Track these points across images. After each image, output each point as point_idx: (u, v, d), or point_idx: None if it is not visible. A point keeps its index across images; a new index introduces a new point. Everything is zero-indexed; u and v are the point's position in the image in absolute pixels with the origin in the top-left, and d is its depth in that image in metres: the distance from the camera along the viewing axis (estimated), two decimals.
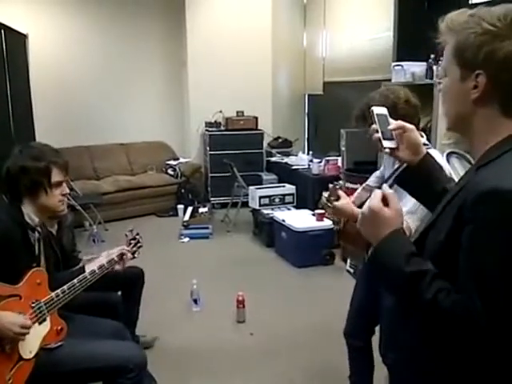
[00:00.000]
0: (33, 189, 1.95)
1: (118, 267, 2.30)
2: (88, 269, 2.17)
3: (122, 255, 2.30)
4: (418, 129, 1.99)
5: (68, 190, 2.08)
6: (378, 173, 2.40)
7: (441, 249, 1.02)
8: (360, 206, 1.97)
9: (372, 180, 2.40)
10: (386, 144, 1.32)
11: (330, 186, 2.06)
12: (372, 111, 1.33)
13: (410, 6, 4.76)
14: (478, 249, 0.93)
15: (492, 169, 0.98)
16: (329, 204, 2.01)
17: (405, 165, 1.33)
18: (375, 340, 2.33)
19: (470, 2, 4.21)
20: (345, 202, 1.99)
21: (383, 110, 1.34)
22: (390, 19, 4.94)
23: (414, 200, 1.55)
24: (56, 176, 2.00)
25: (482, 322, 0.90)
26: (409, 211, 1.82)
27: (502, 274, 0.90)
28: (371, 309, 2.27)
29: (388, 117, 1.33)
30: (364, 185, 2.39)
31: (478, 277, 0.92)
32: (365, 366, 2.47)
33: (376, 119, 1.31)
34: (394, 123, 1.31)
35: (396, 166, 2.01)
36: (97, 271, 2.17)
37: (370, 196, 1.13)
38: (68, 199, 2.20)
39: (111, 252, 2.28)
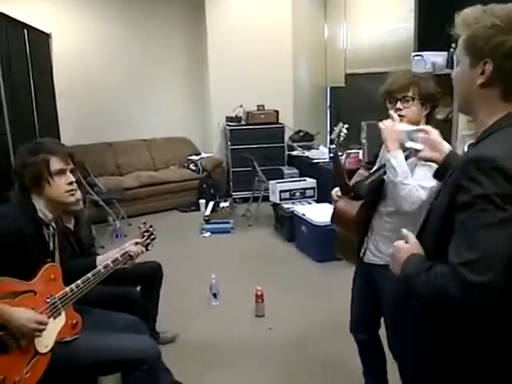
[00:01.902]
0: (36, 182, 1.96)
1: (126, 265, 2.29)
2: (101, 262, 2.20)
3: (129, 253, 2.30)
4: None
5: (73, 178, 2.05)
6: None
7: (443, 221, 1.16)
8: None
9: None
10: (410, 145, 1.59)
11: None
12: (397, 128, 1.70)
13: None
14: (465, 208, 1.07)
15: (479, 145, 1.17)
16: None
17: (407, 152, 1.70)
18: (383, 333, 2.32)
19: None
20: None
21: (409, 127, 1.65)
22: (411, 9, 4.85)
23: (421, 177, 1.94)
24: (55, 164, 1.98)
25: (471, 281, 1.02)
26: (421, 185, 1.95)
27: (485, 225, 1.03)
28: (372, 303, 2.28)
29: (413, 131, 1.61)
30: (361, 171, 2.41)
31: (464, 232, 1.06)
32: (376, 360, 2.46)
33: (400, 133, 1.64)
34: (417, 127, 1.60)
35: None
36: (111, 265, 2.19)
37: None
38: (89, 193, 2.21)
39: (124, 247, 2.30)
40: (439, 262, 1.12)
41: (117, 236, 5.40)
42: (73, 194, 2.03)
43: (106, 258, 2.23)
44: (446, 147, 1.53)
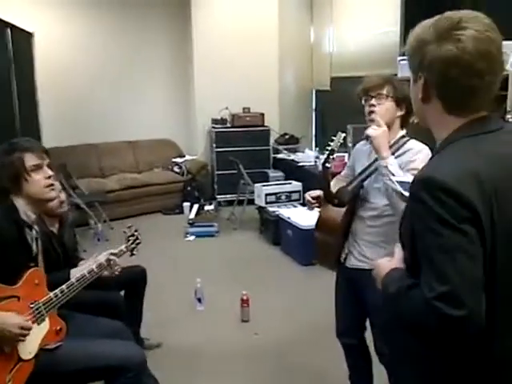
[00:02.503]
0: (14, 181, 1.93)
1: (106, 273, 2.26)
2: (77, 273, 2.15)
3: (109, 260, 2.26)
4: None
5: (51, 172, 2.01)
6: (348, 163, 2.44)
7: (410, 238, 1.13)
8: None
9: (344, 172, 2.43)
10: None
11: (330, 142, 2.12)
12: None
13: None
14: (418, 234, 1.06)
15: (433, 161, 1.14)
16: (325, 165, 2.06)
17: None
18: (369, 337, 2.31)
19: None
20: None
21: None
22: (397, 13, 4.89)
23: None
24: (30, 160, 1.95)
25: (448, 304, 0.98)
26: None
27: (445, 251, 0.99)
28: (357, 307, 2.28)
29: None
30: (338, 176, 2.42)
31: (429, 262, 1.02)
32: (362, 364, 2.45)
33: None
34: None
35: (371, 160, 2.13)
36: (95, 269, 2.15)
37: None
38: (71, 196, 2.17)
39: (99, 258, 2.26)
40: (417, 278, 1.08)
41: (98, 240, 5.32)
42: (53, 189, 2.00)
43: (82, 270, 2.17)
44: None
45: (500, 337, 1.08)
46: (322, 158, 2.13)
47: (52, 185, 2.00)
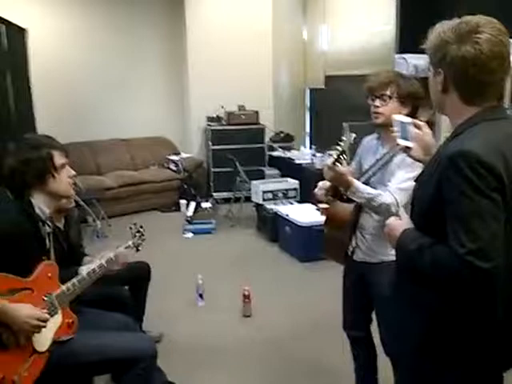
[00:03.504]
0: (40, 177, 1.95)
1: (116, 267, 2.29)
2: (88, 268, 2.17)
3: (118, 256, 2.28)
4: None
5: (73, 172, 2.07)
6: (353, 164, 2.40)
7: (429, 204, 1.29)
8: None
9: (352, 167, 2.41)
10: (402, 142, 1.58)
11: (340, 142, 2.06)
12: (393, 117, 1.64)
13: None
14: (451, 199, 1.21)
15: (457, 140, 1.28)
16: (335, 164, 2.00)
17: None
18: (375, 330, 2.34)
19: None
20: (346, 169, 2.05)
21: (405, 119, 1.60)
22: (392, 11, 4.93)
23: (402, 178, 2.00)
24: (58, 159, 2.00)
25: (472, 258, 1.15)
26: (399, 188, 2.00)
27: (477, 215, 1.16)
28: (365, 300, 2.31)
29: (409, 123, 1.58)
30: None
31: (461, 223, 1.18)
32: (368, 356, 2.48)
33: (396, 123, 1.60)
34: (412, 120, 1.60)
35: (378, 156, 2.15)
36: (104, 264, 2.17)
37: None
38: (77, 192, 2.20)
39: (118, 250, 2.28)
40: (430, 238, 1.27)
41: (97, 236, 5.31)
42: (73, 188, 2.03)
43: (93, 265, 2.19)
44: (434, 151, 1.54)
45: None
46: (329, 158, 2.06)
47: (74, 183, 2.07)
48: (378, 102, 2.10)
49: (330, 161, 2.03)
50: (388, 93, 2.08)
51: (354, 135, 2.10)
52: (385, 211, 1.98)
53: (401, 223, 1.41)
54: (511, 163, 1.21)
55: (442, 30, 1.30)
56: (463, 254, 1.15)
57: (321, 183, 2.24)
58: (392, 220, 1.46)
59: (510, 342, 1.33)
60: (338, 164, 2.01)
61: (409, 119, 1.60)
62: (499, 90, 1.32)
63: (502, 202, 1.18)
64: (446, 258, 1.19)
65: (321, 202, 2.30)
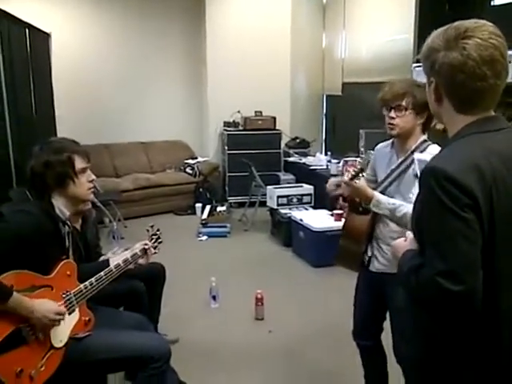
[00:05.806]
0: (60, 181, 2.01)
1: (141, 261, 2.34)
2: (113, 262, 2.22)
3: (144, 250, 2.34)
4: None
5: (94, 176, 2.12)
6: (368, 170, 2.41)
7: (416, 222, 1.27)
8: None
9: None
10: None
11: (359, 160, 2.09)
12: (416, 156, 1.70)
13: (431, 6, 4.75)
14: (424, 218, 1.19)
15: (442, 153, 1.26)
16: (354, 181, 2.03)
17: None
18: (385, 338, 2.35)
19: (491, 4, 4.20)
20: (364, 184, 2.07)
21: (427, 157, 1.60)
22: (411, 20, 4.93)
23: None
24: (79, 163, 2.05)
25: (449, 281, 1.10)
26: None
27: (447, 236, 1.11)
28: (378, 310, 2.31)
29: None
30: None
31: (432, 244, 1.15)
32: (378, 364, 2.48)
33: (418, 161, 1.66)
34: None
35: (393, 166, 2.16)
36: (121, 265, 2.22)
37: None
38: (94, 192, 2.24)
39: (134, 247, 2.33)
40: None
41: (114, 237, 5.39)
42: (93, 192, 2.07)
43: (118, 260, 2.25)
44: None
45: (501, 304, 1.19)
46: (346, 174, 2.10)
47: (93, 187, 2.11)
48: (393, 113, 2.07)
49: (347, 177, 2.06)
50: (404, 104, 2.05)
51: (372, 153, 2.12)
52: (407, 222, 1.95)
53: (404, 244, 1.38)
54: (488, 178, 1.13)
55: (431, 37, 1.25)
56: (433, 275, 1.11)
57: (330, 181, 2.30)
58: (397, 241, 1.43)
59: None
60: (356, 181, 2.04)
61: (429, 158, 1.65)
62: (494, 97, 1.23)
63: (476, 219, 1.11)
64: (424, 281, 1.16)
65: (335, 208, 2.33)
